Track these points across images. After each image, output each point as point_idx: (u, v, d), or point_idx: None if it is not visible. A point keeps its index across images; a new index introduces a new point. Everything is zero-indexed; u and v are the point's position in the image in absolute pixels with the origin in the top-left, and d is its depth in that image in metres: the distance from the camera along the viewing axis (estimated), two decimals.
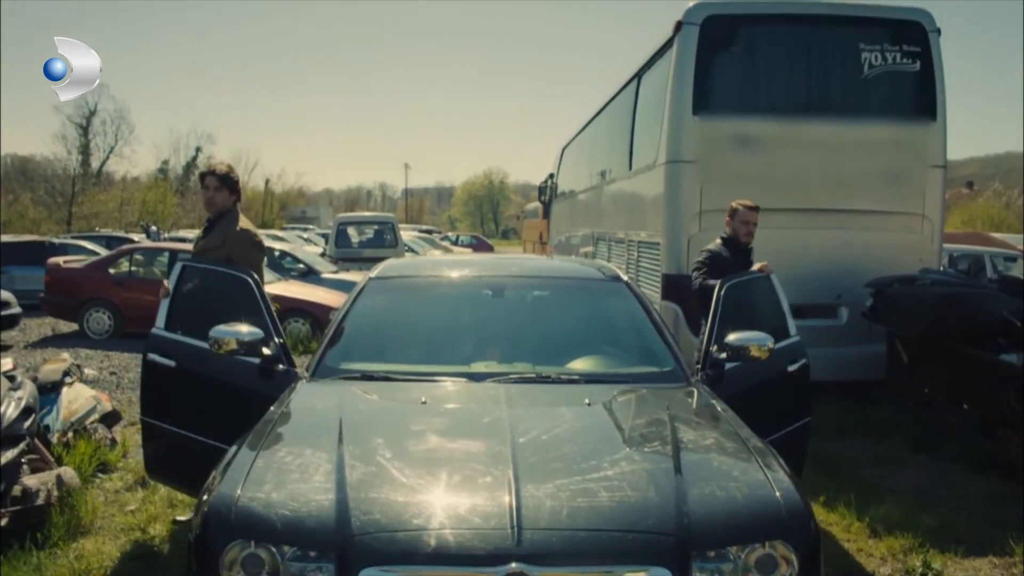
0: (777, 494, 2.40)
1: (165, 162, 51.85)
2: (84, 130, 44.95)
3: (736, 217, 5.17)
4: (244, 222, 4.70)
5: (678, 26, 7.12)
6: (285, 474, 2.47)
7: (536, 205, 24.15)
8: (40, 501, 4.03)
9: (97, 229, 28.93)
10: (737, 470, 2.58)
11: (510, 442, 2.58)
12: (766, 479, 2.48)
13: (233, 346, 3.44)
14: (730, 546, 2.24)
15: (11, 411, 4.14)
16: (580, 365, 3.60)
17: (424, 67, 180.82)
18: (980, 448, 5.79)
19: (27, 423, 4.24)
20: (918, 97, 7.26)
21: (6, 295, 11.52)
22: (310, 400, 3.24)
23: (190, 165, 51.47)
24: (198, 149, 51.75)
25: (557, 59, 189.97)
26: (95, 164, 45.63)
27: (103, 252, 15.81)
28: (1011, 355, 5.42)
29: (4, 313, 11.16)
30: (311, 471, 2.47)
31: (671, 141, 7.14)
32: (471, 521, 2.22)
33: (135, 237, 21.63)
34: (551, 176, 16.61)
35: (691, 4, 7.13)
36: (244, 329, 3.48)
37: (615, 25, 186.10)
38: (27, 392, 4.44)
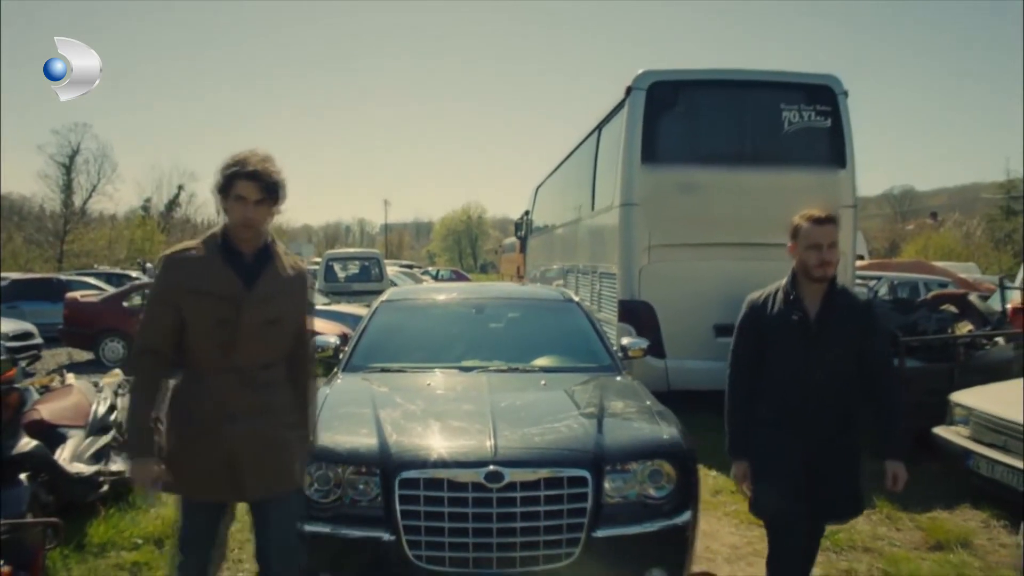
0: (664, 435, 3.67)
1: (147, 200, 52.18)
2: (67, 169, 45.47)
3: (800, 239, 3.25)
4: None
5: (628, 90, 8.48)
6: (341, 424, 3.69)
7: (514, 240, 25.41)
8: (127, 475, 5.18)
9: (95, 266, 29.93)
10: (640, 421, 3.87)
11: (490, 405, 3.82)
12: (658, 425, 3.76)
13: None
14: (630, 462, 3.48)
15: (101, 408, 5.33)
16: (541, 362, 4.86)
17: (401, 103, 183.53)
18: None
19: (112, 418, 5.42)
20: (830, 148, 8.58)
21: (29, 327, 12.62)
22: (347, 384, 4.48)
23: (172, 203, 52.08)
24: (180, 187, 52.10)
25: (534, 95, 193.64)
26: (78, 202, 46.07)
27: (106, 287, 16.90)
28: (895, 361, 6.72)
29: (28, 343, 12.29)
30: (358, 423, 3.70)
31: (624, 186, 8.44)
32: (466, 442, 3.46)
33: (133, 273, 22.70)
34: (527, 213, 17.90)
35: (640, 72, 8.51)
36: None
37: (591, 63, 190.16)
38: (108, 395, 5.63)
